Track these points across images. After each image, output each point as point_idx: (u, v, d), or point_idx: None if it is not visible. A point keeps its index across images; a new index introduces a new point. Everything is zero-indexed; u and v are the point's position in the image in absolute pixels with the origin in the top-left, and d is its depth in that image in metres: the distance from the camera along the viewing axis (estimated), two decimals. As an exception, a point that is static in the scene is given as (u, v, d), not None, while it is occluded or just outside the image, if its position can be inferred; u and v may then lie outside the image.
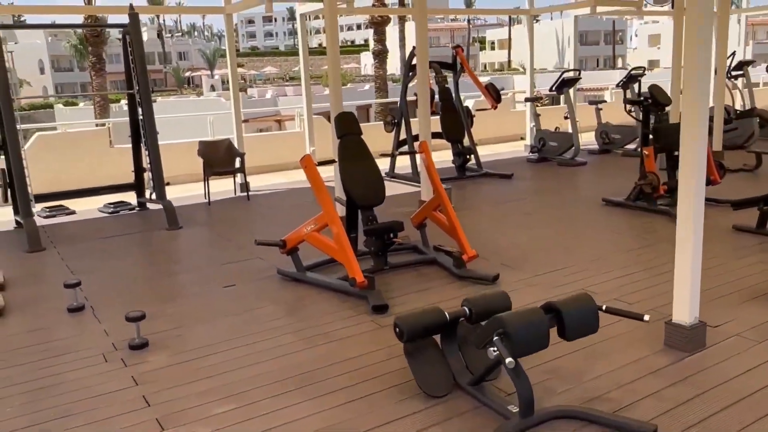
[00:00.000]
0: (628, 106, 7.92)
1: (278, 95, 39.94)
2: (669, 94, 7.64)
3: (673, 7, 9.36)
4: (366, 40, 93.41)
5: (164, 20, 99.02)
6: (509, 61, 74.43)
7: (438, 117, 9.27)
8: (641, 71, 10.97)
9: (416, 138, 9.67)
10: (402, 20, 36.33)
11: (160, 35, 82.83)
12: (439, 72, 9.56)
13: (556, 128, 10.90)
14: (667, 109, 7.70)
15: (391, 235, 5.12)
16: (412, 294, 4.79)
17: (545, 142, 10.64)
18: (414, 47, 9.37)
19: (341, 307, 4.61)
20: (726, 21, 9.80)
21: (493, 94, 9.51)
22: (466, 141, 9.74)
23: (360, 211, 5.32)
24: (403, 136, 9.65)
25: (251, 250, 6.13)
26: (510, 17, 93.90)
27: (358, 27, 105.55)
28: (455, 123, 9.37)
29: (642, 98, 7.24)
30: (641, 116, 7.35)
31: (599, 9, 10.58)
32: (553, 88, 10.42)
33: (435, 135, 10.10)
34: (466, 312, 3.28)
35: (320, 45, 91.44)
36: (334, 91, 6.72)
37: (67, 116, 33.70)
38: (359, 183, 5.31)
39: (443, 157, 11.63)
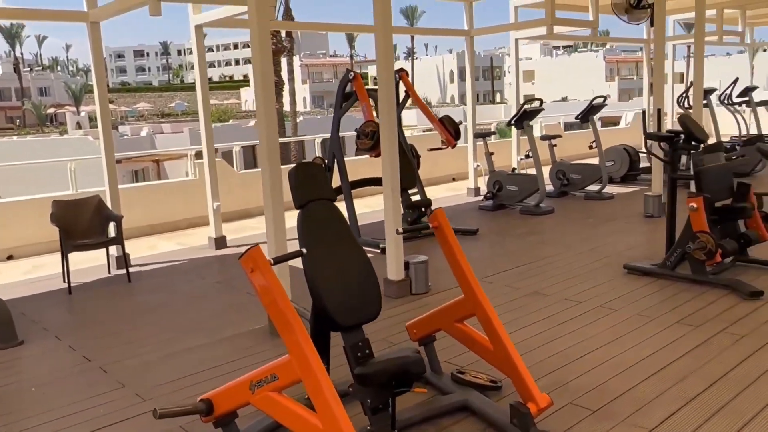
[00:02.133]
0: (650, 143, 6.24)
1: (155, 133, 36.35)
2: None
3: (652, 24, 7.91)
4: (245, 76, 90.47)
5: (22, 53, 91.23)
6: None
7: (375, 158, 7.14)
8: (603, 100, 9.49)
9: (354, 185, 7.56)
10: (290, 52, 34.19)
11: (16, 68, 75.79)
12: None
13: (513, 169, 9.14)
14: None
15: (399, 383, 2.88)
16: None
17: (502, 185, 8.80)
18: (348, 71, 7.32)
19: None
20: (701, 49, 8.50)
21: (451, 129, 7.55)
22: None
23: (342, 334, 3.06)
24: (337, 182, 7.45)
25: (142, 393, 3.67)
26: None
27: (237, 62, 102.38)
28: (404, 166, 7.28)
29: (672, 133, 5.52)
30: (669, 156, 5.62)
31: (556, 29, 9.02)
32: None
33: (373, 181, 8.03)
34: None
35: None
36: (266, 124, 4.42)
37: None
38: (338, 285, 3.05)
39: (375, 205, 9.52)
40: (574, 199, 9.54)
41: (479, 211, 8.93)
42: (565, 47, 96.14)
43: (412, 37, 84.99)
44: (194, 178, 9.64)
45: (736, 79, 11.26)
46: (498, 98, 79.71)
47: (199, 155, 9.51)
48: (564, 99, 61.12)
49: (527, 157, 8.60)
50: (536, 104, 8.52)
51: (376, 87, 7.99)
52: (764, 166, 10.89)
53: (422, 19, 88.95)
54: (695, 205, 5.07)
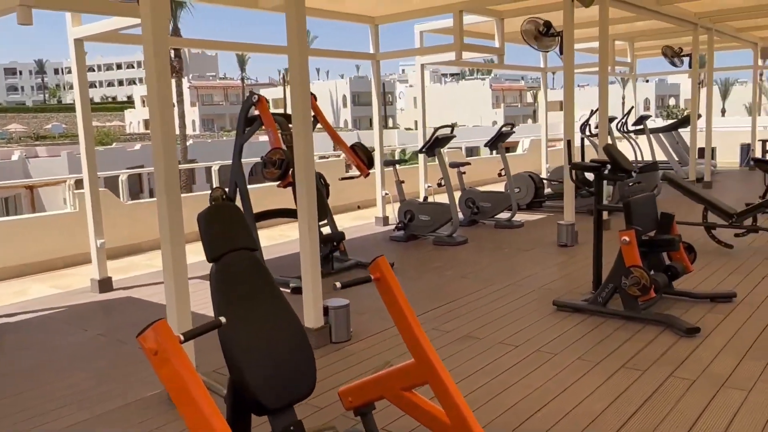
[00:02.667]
0: (575, 173, 6.03)
1: (28, 157, 33.57)
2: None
3: (561, 53, 7.88)
4: (129, 97, 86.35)
5: None
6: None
7: (281, 188, 6.55)
8: (510, 128, 9.40)
9: (260, 217, 6.94)
10: (179, 73, 32.77)
11: None
12: (287, 128, 6.92)
13: (425, 198, 8.81)
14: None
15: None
16: None
17: (414, 215, 8.44)
18: (252, 93, 6.71)
19: None
20: (605, 79, 8.58)
21: (363, 156, 7.09)
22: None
23: (269, 418, 2.47)
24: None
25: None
26: (283, 77, 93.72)
27: (120, 83, 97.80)
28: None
29: (597, 163, 5.34)
30: (595, 186, 5.43)
31: (465, 55, 8.85)
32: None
33: (282, 213, 7.43)
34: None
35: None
36: (164, 152, 3.72)
37: None
38: (263, 357, 2.46)
39: (278, 236, 8.88)
40: (484, 227, 9.35)
41: (391, 243, 8.52)
42: (452, 75, 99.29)
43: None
44: (74, 210, 8.59)
45: (631, 108, 11.63)
46: (390, 123, 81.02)
47: (79, 184, 8.50)
48: (454, 125, 62.98)
49: (439, 185, 8.30)
50: (447, 131, 8.25)
51: (281, 111, 7.44)
52: (659, 192, 11.23)
53: (315, 43, 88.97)
54: (627, 239, 4.86)
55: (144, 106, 64.22)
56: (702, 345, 4.41)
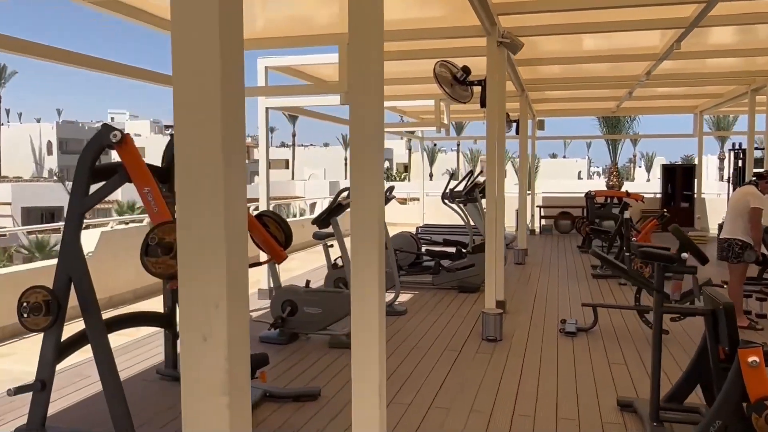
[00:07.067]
0: (640, 263, 4.42)
1: None
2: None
3: (483, 105, 6.51)
4: None
5: None
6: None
7: (173, 289, 3.99)
8: (348, 195, 7.60)
9: (113, 326, 4.22)
10: None
11: None
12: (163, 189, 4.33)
13: (307, 282, 6.64)
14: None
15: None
16: None
17: (296, 307, 6.21)
18: (107, 127, 4.07)
19: None
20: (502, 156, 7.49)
21: (278, 232, 4.75)
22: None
23: None
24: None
25: None
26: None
27: None
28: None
29: (664, 249, 3.94)
30: (656, 281, 4.02)
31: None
32: (320, 219, 6.26)
33: (144, 319, 4.74)
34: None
35: None
36: None
37: None
38: None
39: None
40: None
41: (266, 346, 6.14)
42: (168, 126, 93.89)
43: (-1, 101, 73.22)
44: None
45: (470, 172, 10.75)
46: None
47: None
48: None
49: (336, 266, 6.26)
50: (346, 194, 6.30)
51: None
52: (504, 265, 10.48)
53: (12, 81, 77.08)
54: (757, 360, 3.50)
55: None
56: None
